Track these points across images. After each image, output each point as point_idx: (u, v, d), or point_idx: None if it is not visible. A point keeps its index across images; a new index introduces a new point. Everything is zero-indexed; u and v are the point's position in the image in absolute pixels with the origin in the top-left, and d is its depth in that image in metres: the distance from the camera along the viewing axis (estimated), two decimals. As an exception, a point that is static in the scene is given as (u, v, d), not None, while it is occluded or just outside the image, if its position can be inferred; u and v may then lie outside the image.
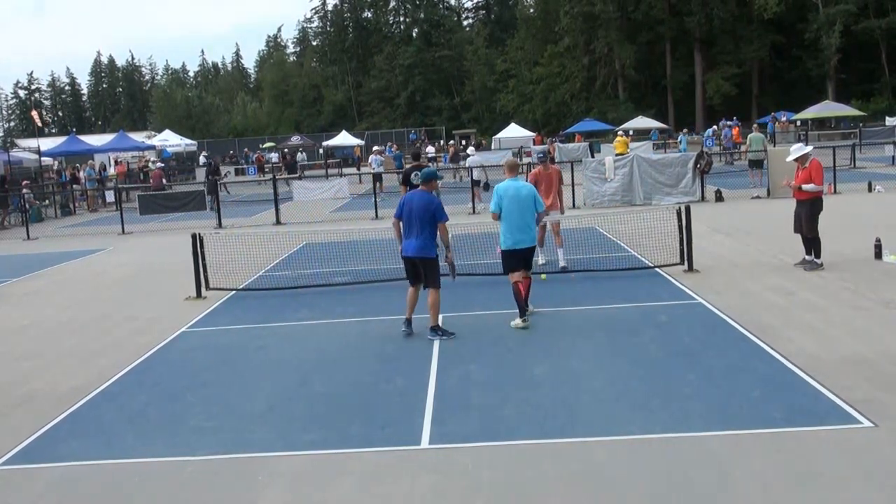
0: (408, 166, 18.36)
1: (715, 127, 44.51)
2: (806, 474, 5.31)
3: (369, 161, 38.00)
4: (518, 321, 9.45)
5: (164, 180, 34.34)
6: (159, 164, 37.72)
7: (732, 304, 10.02)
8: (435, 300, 9.18)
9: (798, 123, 49.35)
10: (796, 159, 12.13)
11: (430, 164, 34.90)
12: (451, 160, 41.89)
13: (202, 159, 50.95)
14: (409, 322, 9.38)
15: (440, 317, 9.40)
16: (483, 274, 12.53)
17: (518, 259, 9.60)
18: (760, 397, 6.73)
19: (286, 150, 57.12)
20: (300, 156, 55.44)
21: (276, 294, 12.40)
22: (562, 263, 12.83)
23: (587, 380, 7.45)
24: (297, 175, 37.90)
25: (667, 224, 13.42)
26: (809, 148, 12.31)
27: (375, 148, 42.83)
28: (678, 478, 5.37)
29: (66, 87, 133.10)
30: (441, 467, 5.77)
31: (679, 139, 39.16)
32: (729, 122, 46.71)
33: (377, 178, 30.05)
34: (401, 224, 9.33)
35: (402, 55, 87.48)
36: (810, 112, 49.78)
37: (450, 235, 9.39)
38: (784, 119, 49.36)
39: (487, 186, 14.60)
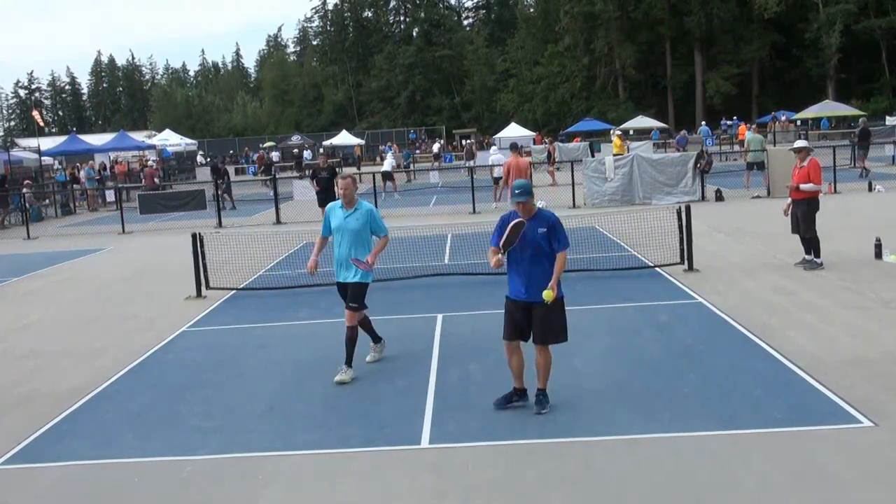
0: (320, 167, 20.97)
1: (705, 125, 44.28)
2: (806, 474, 5.31)
3: (383, 150, 38.63)
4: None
5: (156, 179, 34.18)
6: (151, 163, 37.71)
7: (732, 303, 10.01)
8: (547, 360, 6.68)
9: (798, 123, 49.38)
10: (796, 152, 12.14)
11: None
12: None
13: (200, 159, 51.04)
14: (520, 393, 6.82)
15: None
16: (483, 273, 12.53)
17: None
18: (761, 397, 6.73)
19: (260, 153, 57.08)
20: (306, 153, 55.52)
21: (276, 294, 12.39)
22: None
23: (588, 380, 7.45)
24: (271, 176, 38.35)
25: (667, 223, 13.41)
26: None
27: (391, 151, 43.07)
28: (678, 478, 5.36)
29: (67, 87, 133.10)
30: (441, 467, 5.76)
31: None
32: (730, 122, 46.74)
33: (387, 176, 30.05)
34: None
35: (402, 55, 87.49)
36: (810, 112, 49.79)
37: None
38: (784, 118, 49.39)
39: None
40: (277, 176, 32.38)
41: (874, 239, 12.59)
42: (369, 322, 8.34)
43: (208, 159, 46.20)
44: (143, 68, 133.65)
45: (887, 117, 49.49)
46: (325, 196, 19.77)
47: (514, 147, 18.67)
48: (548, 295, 6.33)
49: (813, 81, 64.75)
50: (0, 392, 8.23)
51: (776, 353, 7.87)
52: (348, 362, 7.86)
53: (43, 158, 41.40)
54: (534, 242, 6.51)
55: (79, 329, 10.97)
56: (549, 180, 29.93)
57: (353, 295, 7.98)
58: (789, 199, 12.21)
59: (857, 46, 62.37)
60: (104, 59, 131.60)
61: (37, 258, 18.61)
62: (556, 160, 33.90)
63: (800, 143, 12.36)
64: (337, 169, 23.77)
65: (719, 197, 21.86)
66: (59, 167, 43.81)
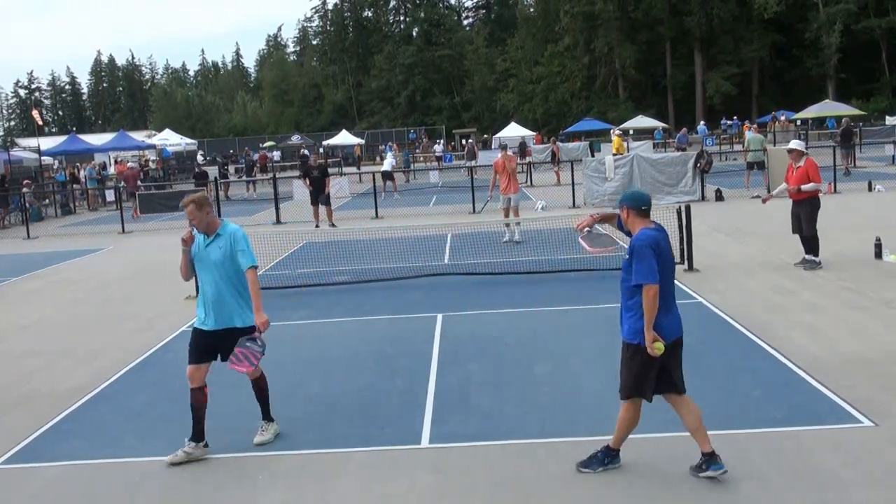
0: (311, 163, 21.80)
1: (703, 125, 44.23)
2: (805, 474, 5.31)
3: (383, 149, 38.82)
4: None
5: (138, 182, 33.97)
6: (130, 165, 37.33)
7: (732, 303, 10.01)
8: (695, 417, 5.42)
9: (798, 123, 49.38)
10: (791, 153, 12.15)
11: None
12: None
13: (200, 159, 50.95)
14: (612, 453, 5.58)
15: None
16: (483, 273, 12.55)
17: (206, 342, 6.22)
18: (761, 397, 6.73)
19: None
20: (306, 152, 55.52)
21: (276, 293, 12.37)
22: (516, 238, 15.60)
23: (587, 380, 7.45)
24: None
25: (667, 223, 13.33)
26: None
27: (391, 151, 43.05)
28: (678, 477, 5.36)
29: (67, 87, 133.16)
30: (441, 467, 5.76)
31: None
32: (730, 122, 46.73)
33: (387, 176, 30.05)
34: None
35: (402, 54, 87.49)
36: (810, 111, 49.79)
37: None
38: (784, 118, 49.40)
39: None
40: (276, 176, 32.34)
41: (874, 239, 12.59)
42: (267, 388, 6.50)
43: (207, 159, 46.15)
44: (143, 68, 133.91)
45: (887, 117, 49.50)
46: (316, 195, 20.58)
47: (504, 147, 19.70)
48: (658, 347, 5.15)
49: (813, 81, 64.78)
50: (0, 392, 8.23)
51: (776, 353, 7.87)
52: (266, 416, 6.46)
53: (43, 158, 41.39)
54: (623, 271, 5.35)
55: (79, 329, 10.97)
56: (552, 180, 30.09)
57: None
58: (770, 193, 12.21)
59: (857, 46, 62.38)
60: (104, 59, 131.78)
61: (37, 258, 18.60)
62: (560, 160, 33.89)
63: (795, 144, 12.32)
64: (329, 169, 23.82)
65: (719, 197, 21.86)
66: (59, 167, 43.78)
